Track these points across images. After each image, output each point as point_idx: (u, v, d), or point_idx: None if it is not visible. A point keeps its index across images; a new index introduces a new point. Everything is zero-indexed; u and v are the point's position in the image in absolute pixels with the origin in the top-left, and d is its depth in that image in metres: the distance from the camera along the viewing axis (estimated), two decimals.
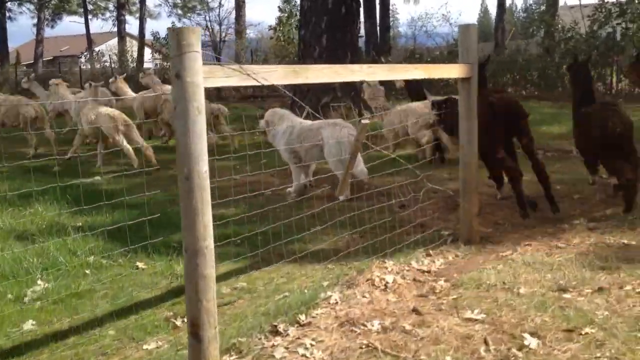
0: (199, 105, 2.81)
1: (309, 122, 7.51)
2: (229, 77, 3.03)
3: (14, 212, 6.30)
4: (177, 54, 2.77)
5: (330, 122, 6.98)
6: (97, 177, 8.28)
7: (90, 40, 32.97)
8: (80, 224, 5.99)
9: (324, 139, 6.69)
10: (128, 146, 8.98)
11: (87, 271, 4.52)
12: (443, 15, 26.82)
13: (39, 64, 33.17)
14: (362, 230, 5.08)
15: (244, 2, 28.70)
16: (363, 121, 3.85)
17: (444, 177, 7.41)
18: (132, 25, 40.87)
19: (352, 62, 13.04)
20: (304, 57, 13.35)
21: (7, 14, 35.32)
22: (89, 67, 28.40)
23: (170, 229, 5.25)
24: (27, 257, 4.59)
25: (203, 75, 2.84)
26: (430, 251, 4.73)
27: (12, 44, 45.34)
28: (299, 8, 14.74)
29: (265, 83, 3.20)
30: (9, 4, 35.34)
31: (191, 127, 2.79)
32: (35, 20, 34.29)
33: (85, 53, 32.54)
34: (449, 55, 19.55)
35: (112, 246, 5.02)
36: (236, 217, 4.59)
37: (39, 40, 33.51)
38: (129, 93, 12.34)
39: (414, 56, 21.67)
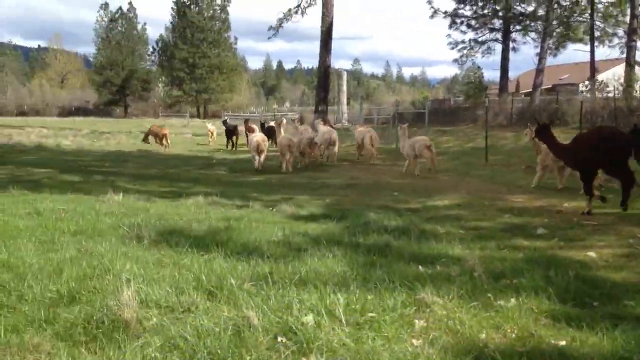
0: None
1: None
2: None
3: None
4: None
5: None
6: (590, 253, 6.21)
7: (593, 68, 30.53)
8: (564, 343, 4.03)
9: None
10: None
11: None
12: None
13: (536, 93, 32.46)
14: None
15: None
16: None
17: None
18: None
19: None
20: None
21: (511, 44, 35.83)
22: (590, 96, 26.03)
23: None
24: None
25: None
26: None
27: (513, 73, 46.49)
28: None
29: None
30: (513, 34, 35.80)
31: None
32: (538, 50, 33.70)
33: (587, 82, 30.23)
34: None
35: None
36: None
37: (540, 70, 32.74)
38: None
39: None
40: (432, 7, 36.27)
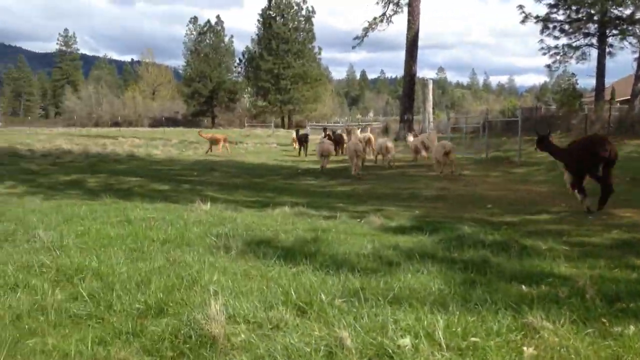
0: None
1: None
2: None
3: None
4: None
5: None
6: None
7: None
8: None
9: None
10: None
11: None
12: None
13: (635, 101, 30.60)
14: None
15: None
16: None
17: None
18: None
19: None
20: None
21: (608, 49, 33.93)
22: None
23: None
24: None
25: None
26: None
27: (609, 80, 44.16)
28: None
29: None
30: (610, 39, 33.91)
31: None
32: (636, 55, 31.78)
33: None
34: None
35: None
36: None
37: (638, 76, 30.85)
38: None
39: None
40: (523, 11, 34.94)
